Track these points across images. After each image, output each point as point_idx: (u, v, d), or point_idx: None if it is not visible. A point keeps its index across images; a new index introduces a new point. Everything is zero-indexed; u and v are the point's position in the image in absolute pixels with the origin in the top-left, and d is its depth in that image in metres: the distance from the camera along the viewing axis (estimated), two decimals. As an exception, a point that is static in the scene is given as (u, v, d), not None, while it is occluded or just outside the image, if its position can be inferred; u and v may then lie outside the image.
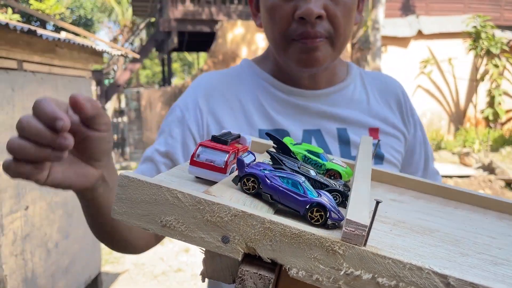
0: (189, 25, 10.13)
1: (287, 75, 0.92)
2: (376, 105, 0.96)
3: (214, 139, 0.50)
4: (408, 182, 0.65)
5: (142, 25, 14.67)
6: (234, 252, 0.38)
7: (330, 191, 0.49)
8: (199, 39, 11.21)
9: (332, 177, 0.58)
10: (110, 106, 10.22)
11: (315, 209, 0.42)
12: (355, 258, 0.36)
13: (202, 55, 19.42)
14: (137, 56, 5.49)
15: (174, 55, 22.23)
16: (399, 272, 0.35)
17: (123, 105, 11.06)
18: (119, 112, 10.78)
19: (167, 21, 10.06)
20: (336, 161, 0.61)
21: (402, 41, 10.10)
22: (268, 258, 0.38)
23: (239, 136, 0.54)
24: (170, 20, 10.00)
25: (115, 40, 17.01)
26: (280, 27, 0.81)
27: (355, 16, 0.87)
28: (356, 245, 0.36)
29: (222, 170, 0.47)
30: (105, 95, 9.22)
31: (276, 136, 0.54)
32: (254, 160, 0.49)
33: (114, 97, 10.35)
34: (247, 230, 0.38)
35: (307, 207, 0.42)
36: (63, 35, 2.80)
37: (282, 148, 0.54)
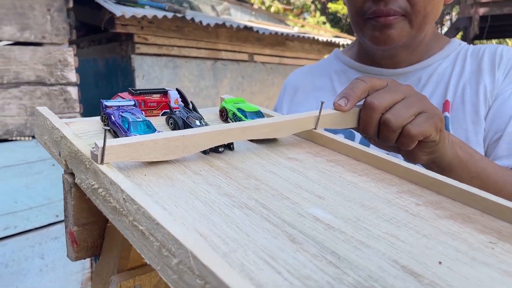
0: (495, 8, 8.65)
1: (367, 56, 0.93)
2: (458, 76, 0.86)
3: (129, 91, 0.64)
4: (349, 150, 0.60)
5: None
6: (62, 163, 0.53)
7: None
8: (508, 23, 9.47)
9: None
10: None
11: None
12: (93, 172, 0.46)
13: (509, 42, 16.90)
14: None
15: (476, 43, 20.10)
16: (107, 184, 0.43)
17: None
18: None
19: (468, 6, 8.78)
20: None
21: None
22: (70, 169, 0.51)
23: (164, 92, 0.66)
24: (473, 4, 8.48)
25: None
26: (356, 5, 0.84)
27: None
28: (94, 162, 0.46)
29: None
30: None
31: (181, 91, 0.63)
32: (134, 105, 0.60)
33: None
34: (64, 148, 0.52)
35: None
36: (295, 30, 3.16)
37: (184, 102, 0.63)
